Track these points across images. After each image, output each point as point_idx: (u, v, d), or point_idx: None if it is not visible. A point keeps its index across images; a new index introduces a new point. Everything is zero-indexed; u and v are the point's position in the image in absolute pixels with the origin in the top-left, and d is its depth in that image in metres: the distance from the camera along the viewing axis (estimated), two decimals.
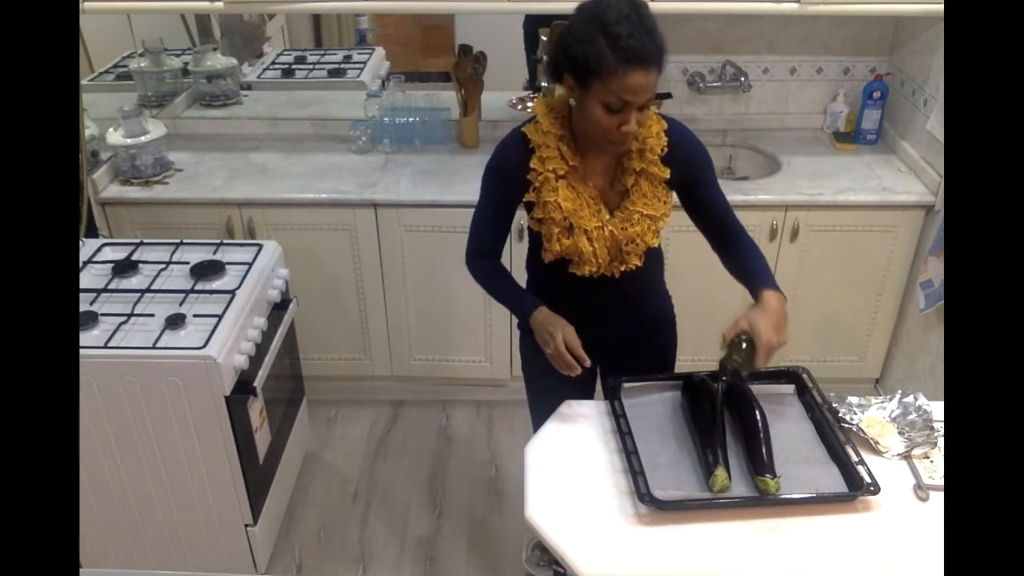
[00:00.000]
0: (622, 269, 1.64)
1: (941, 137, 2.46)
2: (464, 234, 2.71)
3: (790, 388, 1.72)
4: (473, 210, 1.72)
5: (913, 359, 2.69)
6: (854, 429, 1.58)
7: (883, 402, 1.65)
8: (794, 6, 2.33)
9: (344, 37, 3.36)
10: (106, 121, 2.62)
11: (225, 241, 2.37)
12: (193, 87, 3.10)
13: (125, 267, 2.23)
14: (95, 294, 2.11)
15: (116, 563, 2.24)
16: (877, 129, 2.83)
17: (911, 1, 2.33)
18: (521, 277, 1.80)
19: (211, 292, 2.13)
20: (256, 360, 2.08)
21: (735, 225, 1.71)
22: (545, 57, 2.67)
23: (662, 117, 1.62)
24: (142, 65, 2.97)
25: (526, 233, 1.74)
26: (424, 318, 2.78)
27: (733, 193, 2.51)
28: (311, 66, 3.29)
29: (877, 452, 1.56)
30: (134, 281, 2.20)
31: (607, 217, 1.61)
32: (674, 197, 1.66)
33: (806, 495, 1.44)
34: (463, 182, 2.61)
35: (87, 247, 2.32)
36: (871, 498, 1.45)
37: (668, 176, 1.60)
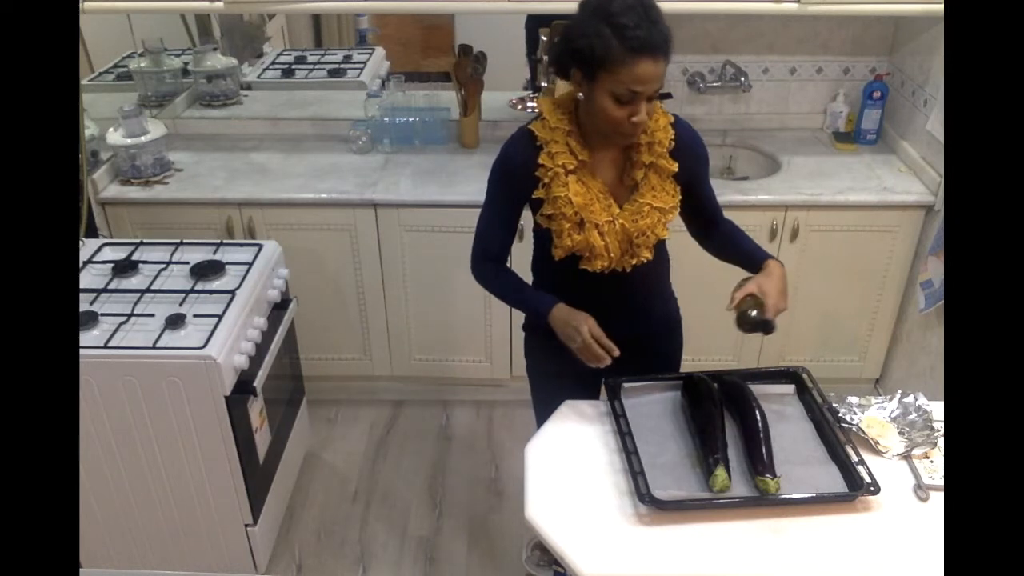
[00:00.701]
0: (633, 262, 1.64)
1: (941, 137, 2.46)
2: (464, 234, 2.70)
3: (790, 388, 1.72)
4: (477, 211, 1.71)
5: (913, 359, 2.69)
6: (854, 429, 1.58)
7: (883, 402, 1.65)
8: (794, 6, 2.33)
9: (344, 37, 3.36)
10: (106, 121, 2.62)
11: (225, 241, 2.37)
12: (193, 87, 3.10)
13: (125, 267, 2.23)
14: (95, 294, 2.11)
15: (116, 563, 2.24)
16: (877, 129, 2.83)
17: (911, 1, 2.33)
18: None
19: (211, 292, 2.13)
20: (256, 360, 2.08)
21: (719, 214, 1.77)
22: (545, 57, 2.67)
23: (668, 112, 1.63)
24: (142, 65, 2.97)
25: (529, 234, 1.74)
26: (424, 318, 2.78)
27: (733, 193, 2.53)
28: (311, 66, 3.29)
29: (877, 452, 1.56)
30: (134, 281, 2.20)
31: (617, 211, 1.61)
32: None
33: (806, 495, 1.44)
34: (463, 182, 2.61)
35: (87, 247, 2.32)
36: (871, 498, 1.45)
37: (676, 169, 1.61)
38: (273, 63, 3.31)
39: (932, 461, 1.54)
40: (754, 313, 1.55)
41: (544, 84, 2.71)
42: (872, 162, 2.74)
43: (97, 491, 2.10)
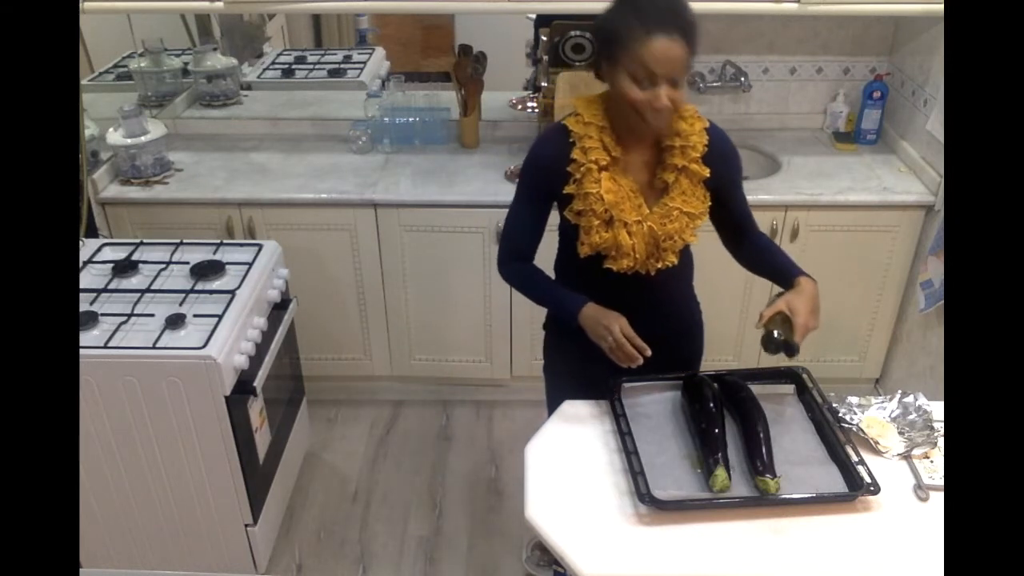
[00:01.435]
0: (658, 266, 1.63)
1: (941, 137, 2.46)
2: (464, 234, 2.71)
3: (790, 388, 1.72)
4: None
5: (913, 359, 2.69)
6: (854, 429, 1.58)
7: (883, 402, 1.65)
8: (794, 6, 2.33)
9: (344, 37, 3.36)
10: (106, 121, 2.62)
11: (225, 241, 2.37)
12: (193, 87, 3.10)
13: (125, 267, 2.23)
14: (95, 294, 2.11)
15: (116, 563, 2.24)
16: (877, 129, 2.83)
17: (911, 1, 2.33)
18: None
19: (211, 292, 2.13)
20: (256, 360, 2.08)
21: (752, 223, 1.74)
22: (545, 57, 2.67)
23: (703, 118, 1.62)
24: (142, 65, 2.97)
25: (551, 233, 1.72)
26: (424, 318, 2.79)
27: None
28: (311, 66, 3.29)
29: (877, 452, 1.56)
30: (134, 281, 2.20)
31: (646, 212, 1.60)
32: None
33: (806, 495, 1.44)
34: (463, 182, 2.61)
35: (87, 247, 2.32)
36: (871, 498, 1.45)
37: (708, 175, 1.60)
38: (273, 63, 3.31)
39: (932, 461, 1.54)
40: (777, 334, 1.54)
41: (544, 84, 2.71)
42: (872, 162, 2.74)
43: (97, 491, 2.10)
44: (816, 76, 2.90)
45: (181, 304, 2.09)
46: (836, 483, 1.48)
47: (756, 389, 1.65)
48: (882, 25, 2.80)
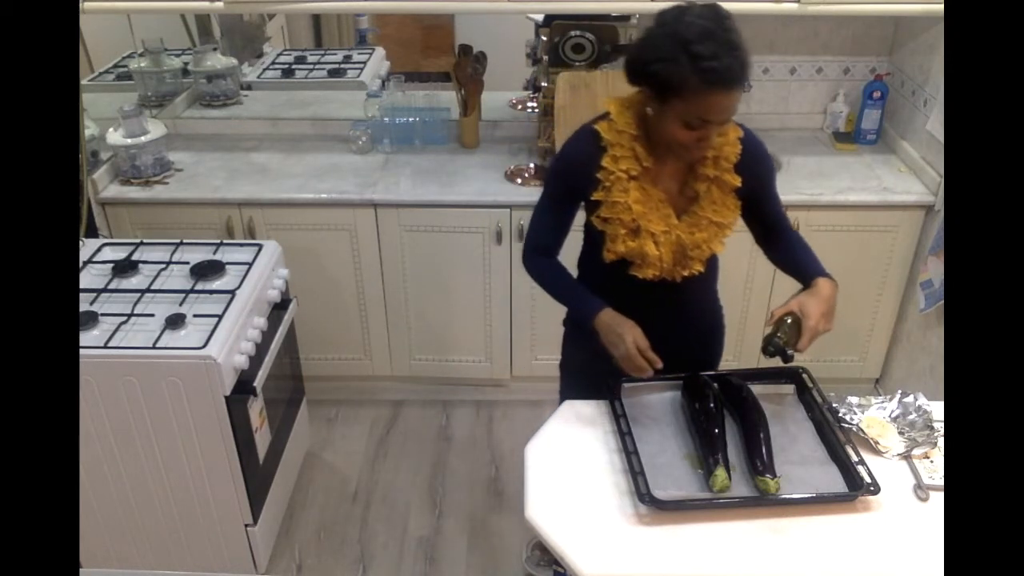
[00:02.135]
0: (684, 274, 1.62)
1: (941, 137, 2.46)
2: (464, 234, 2.71)
3: (790, 388, 1.72)
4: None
5: (913, 359, 2.69)
6: (854, 429, 1.58)
7: (883, 402, 1.65)
8: (794, 6, 2.33)
9: (344, 37, 3.36)
10: (106, 121, 2.62)
11: (225, 241, 2.37)
12: (193, 87, 3.10)
13: (125, 267, 2.23)
14: (95, 294, 2.11)
15: (116, 563, 2.24)
16: (877, 129, 2.83)
17: (911, 1, 2.33)
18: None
19: (211, 292, 2.13)
20: (256, 360, 2.08)
21: (785, 223, 1.73)
22: (545, 57, 2.67)
23: (737, 124, 1.60)
24: (142, 65, 2.97)
25: (576, 230, 1.71)
26: (424, 318, 2.79)
27: None
28: (311, 66, 3.29)
29: (877, 452, 1.56)
30: (134, 281, 2.20)
31: (675, 221, 1.59)
32: None
33: (806, 495, 1.44)
34: (463, 182, 2.60)
35: (87, 247, 2.32)
36: (871, 498, 1.45)
37: (739, 184, 1.58)
38: (273, 63, 3.31)
39: (932, 461, 1.54)
40: (776, 338, 1.53)
41: (544, 84, 2.71)
42: (872, 162, 2.74)
43: (97, 491, 2.10)
44: (816, 76, 2.90)
45: (181, 304, 2.08)
46: (836, 483, 1.48)
47: (756, 389, 1.66)
48: (882, 25, 2.80)
